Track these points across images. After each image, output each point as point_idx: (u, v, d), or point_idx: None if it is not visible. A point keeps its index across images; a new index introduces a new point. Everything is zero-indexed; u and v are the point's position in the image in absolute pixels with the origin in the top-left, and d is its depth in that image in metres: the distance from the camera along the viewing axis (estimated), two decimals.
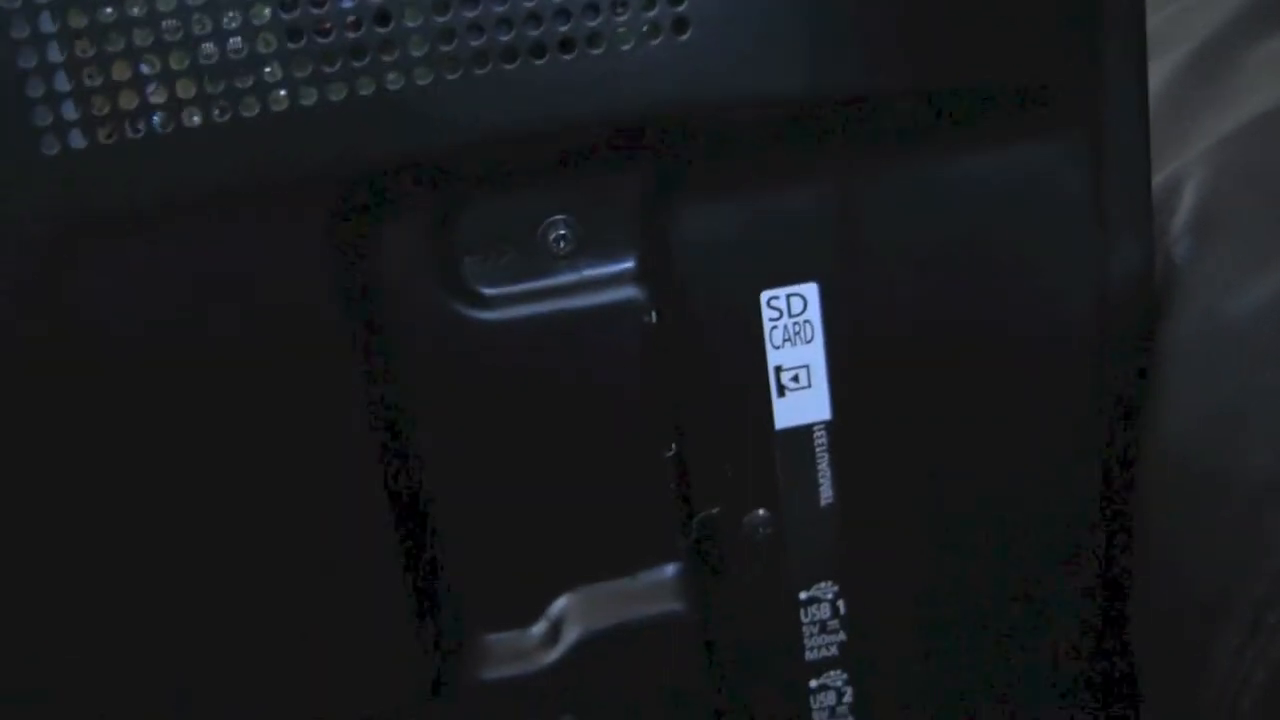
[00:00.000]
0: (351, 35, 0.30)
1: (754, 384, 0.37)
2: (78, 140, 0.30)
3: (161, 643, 0.35)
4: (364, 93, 0.31)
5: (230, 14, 0.30)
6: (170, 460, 0.34)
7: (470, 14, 0.31)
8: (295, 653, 0.36)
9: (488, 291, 0.35)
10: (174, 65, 0.30)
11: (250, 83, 0.30)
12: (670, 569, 0.37)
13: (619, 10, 0.31)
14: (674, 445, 0.36)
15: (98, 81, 0.30)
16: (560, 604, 0.37)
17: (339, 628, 0.35)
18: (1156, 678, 0.38)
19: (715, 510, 0.37)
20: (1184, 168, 0.41)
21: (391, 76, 0.31)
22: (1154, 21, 0.38)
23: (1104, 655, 0.40)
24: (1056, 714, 0.41)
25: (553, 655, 0.37)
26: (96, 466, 0.33)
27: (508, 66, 0.31)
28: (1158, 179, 0.40)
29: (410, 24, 0.30)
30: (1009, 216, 0.36)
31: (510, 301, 0.35)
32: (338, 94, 0.31)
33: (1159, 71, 0.45)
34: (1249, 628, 0.33)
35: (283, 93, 0.31)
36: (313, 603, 0.35)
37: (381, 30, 0.30)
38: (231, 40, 0.30)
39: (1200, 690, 0.34)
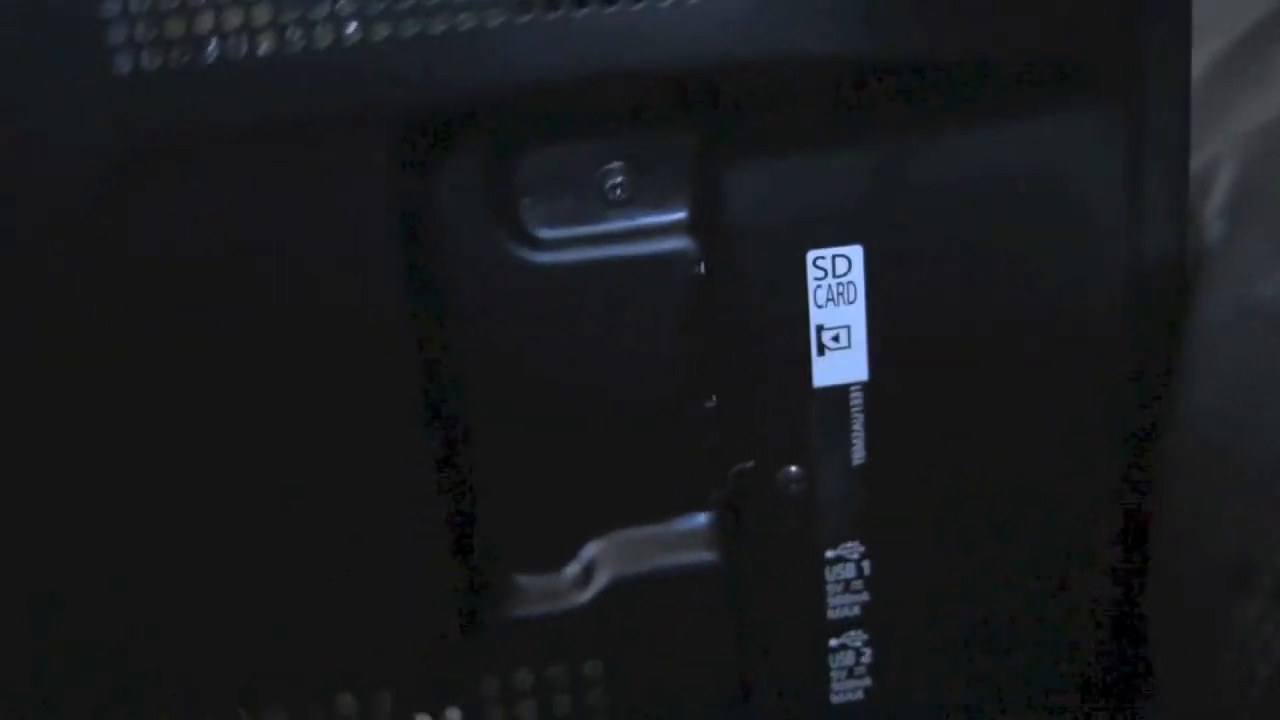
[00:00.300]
0: None
1: (795, 341, 0.37)
2: (150, 61, 0.31)
3: (199, 581, 0.36)
4: (435, 31, 0.31)
5: None
6: (215, 394, 0.34)
7: None
8: (331, 591, 0.36)
9: (543, 234, 0.35)
10: None
11: (325, 13, 0.31)
12: (703, 519, 0.38)
13: None
14: (714, 397, 0.37)
15: (174, 3, 0.30)
16: (592, 548, 0.38)
17: (374, 564, 0.36)
18: (1172, 649, 0.38)
19: (749, 465, 0.38)
20: (1219, 153, 0.42)
21: (463, 16, 0.31)
22: (1199, 10, 0.38)
23: (1121, 639, 0.41)
24: (1072, 697, 0.42)
25: (583, 598, 0.37)
26: (148, 392, 0.34)
27: (578, 13, 0.32)
28: (1194, 164, 0.40)
29: None
30: (1047, 191, 0.37)
31: (564, 245, 0.35)
32: (410, 30, 0.31)
33: (1200, 59, 0.46)
34: (1270, 595, 0.33)
35: (356, 25, 0.31)
36: (350, 540, 0.35)
37: None
38: None
39: (1218, 660, 0.35)
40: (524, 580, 0.38)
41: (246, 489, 0.35)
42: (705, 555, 0.38)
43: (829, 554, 0.39)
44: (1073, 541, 0.40)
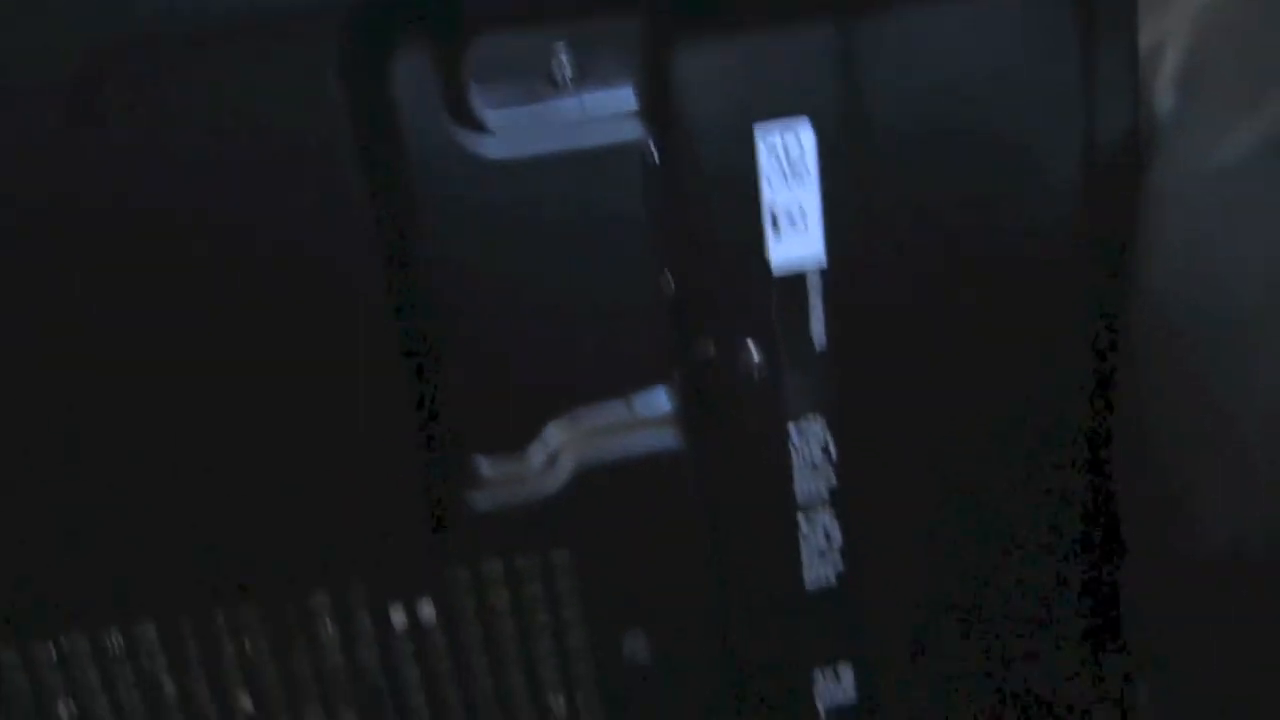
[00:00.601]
0: None
1: (749, 223, 0.37)
2: None
3: (166, 475, 0.36)
4: None
5: None
6: (181, 294, 0.34)
7: None
8: (299, 485, 0.36)
9: (494, 122, 0.36)
10: None
11: None
12: (665, 398, 0.38)
13: None
14: (669, 277, 0.37)
15: None
16: (557, 435, 0.38)
17: (341, 455, 0.36)
18: (1142, 522, 0.39)
19: (711, 348, 0.38)
20: (1167, 29, 0.42)
21: None
22: None
23: (1095, 515, 0.41)
24: (1048, 569, 0.42)
25: (549, 486, 0.38)
26: (112, 286, 0.34)
27: None
28: (1143, 41, 0.41)
29: None
30: (998, 69, 0.37)
31: (516, 137, 0.36)
32: None
33: None
34: (1236, 460, 0.34)
35: None
36: (316, 433, 0.36)
37: None
38: None
39: (1189, 507, 0.35)
40: (490, 468, 0.38)
41: (213, 388, 0.35)
42: (668, 438, 0.38)
43: (793, 434, 0.40)
44: (1042, 415, 0.40)
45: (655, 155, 0.36)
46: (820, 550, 0.41)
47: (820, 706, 0.43)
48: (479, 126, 0.36)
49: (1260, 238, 0.34)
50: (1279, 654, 0.34)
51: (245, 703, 0.40)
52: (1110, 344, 0.39)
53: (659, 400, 0.38)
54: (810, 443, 0.40)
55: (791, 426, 0.40)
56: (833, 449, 0.40)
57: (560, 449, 0.38)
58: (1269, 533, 0.33)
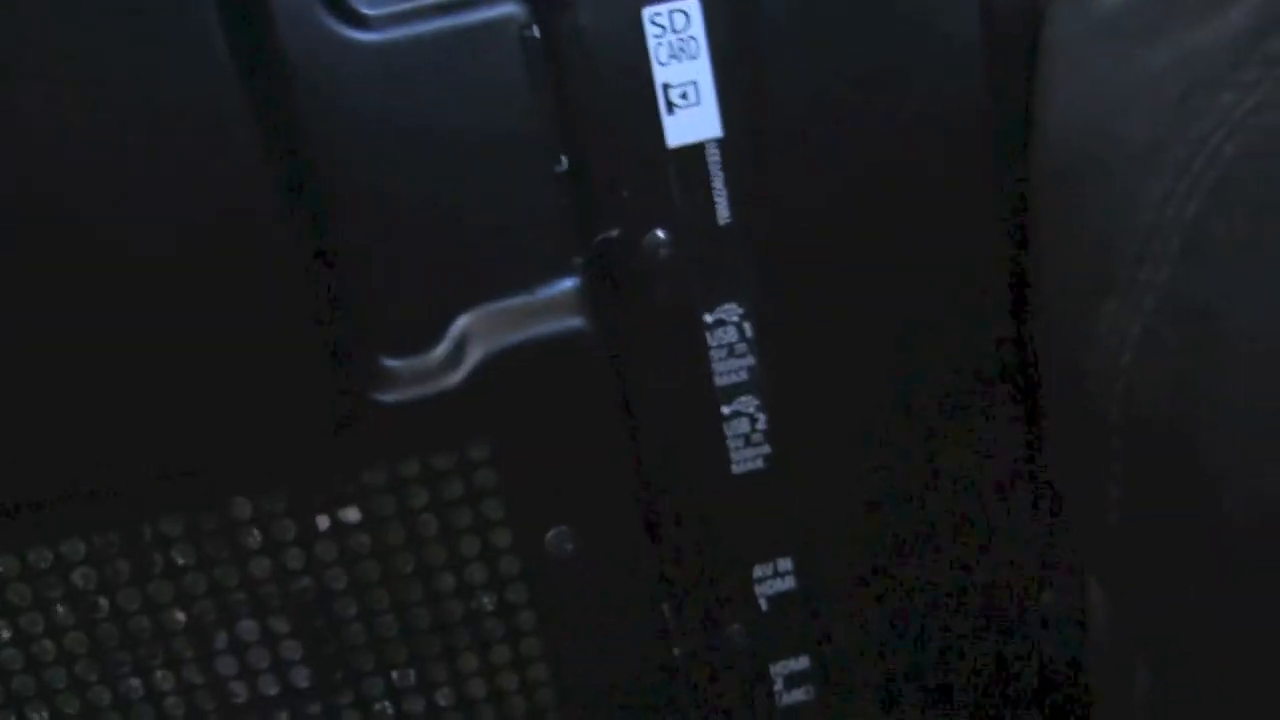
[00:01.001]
0: None
1: (642, 101, 0.37)
2: None
3: (78, 385, 0.36)
4: None
5: None
6: (76, 196, 0.35)
7: None
8: (204, 391, 0.36)
9: (369, 11, 0.35)
10: None
11: None
12: (569, 283, 0.38)
13: None
14: (564, 160, 0.37)
15: None
16: (461, 324, 0.38)
17: (243, 358, 0.36)
18: (1050, 360, 0.38)
19: (614, 232, 0.38)
20: None
21: None
22: None
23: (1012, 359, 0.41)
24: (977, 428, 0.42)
25: (457, 376, 0.37)
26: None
27: None
28: None
29: None
30: None
31: (392, 21, 0.35)
32: None
33: None
34: (1125, 285, 0.33)
35: None
36: (215, 334, 0.36)
37: None
38: None
39: (1086, 361, 0.35)
40: (395, 364, 0.38)
41: (110, 291, 0.35)
42: (575, 321, 0.38)
43: (708, 318, 0.39)
44: (955, 276, 0.40)
45: (535, 31, 0.36)
46: (745, 435, 0.41)
47: (761, 597, 0.43)
48: (357, 19, 0.35)
49: (1147, 72, 0.34)
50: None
51: (178, 617, 0.40)
52: (1018, 200, 0.38)
53: (564, 285, 0.38)
54: (726, 326, 0.39)
55: (705, 311, 0.39)
56: (750, 331, 0.40)
57: (465, 340, 0.37)
58: (1157, 383, 0.33)
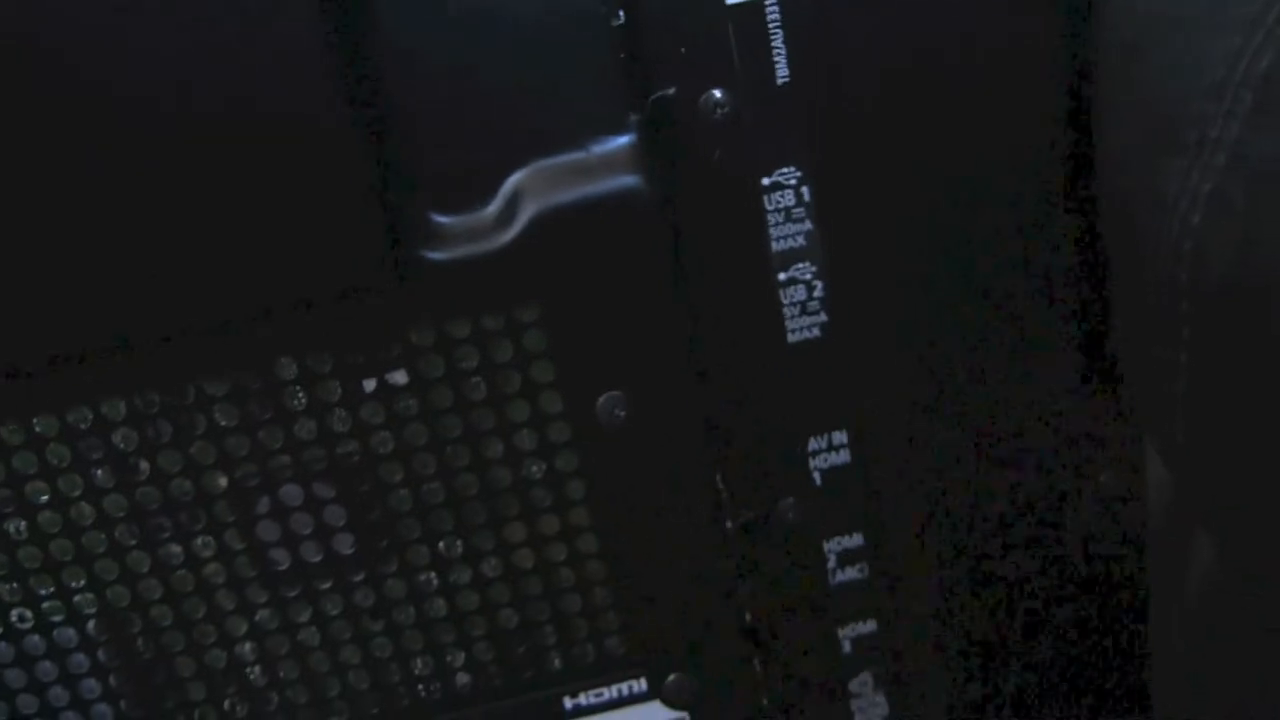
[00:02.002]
0: None
1: None
2: None
3: (124, 241, 0.35)
4: None
5: None
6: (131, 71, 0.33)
7: None
8: (253, 248, 0.35)
9: None
10: None
11: None
12: (625, 140, 0.37)
13: None
14: (621, 14, 0.36)
15: None
16: (514, 182, 0.37)
17: (286, 207, 0.35)
18: (1115, 236, 0.37)
19: (670, 90, 0.37)
20: None
21: None
22: None
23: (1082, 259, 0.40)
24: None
25: (509, 234, 0.36)
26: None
27: None
28: None
29: None
30: None
31: None
32: None
33: None
34: (1194, 145, 0.32)
35: None
36: (262, 188, 0.35)
37: None
38: None
39: (1154, 223, 0.33)
40: (446, 221, 0.37)
41: (158, 139, 0.34)
42: (630, 179, 0.36)
43: (765, 180, 0.38)
44: (1021, 152, 0.39)
45: None
46: (801, 303, 0.39)
47: (815, 471, 0.42)
48: None
49: None
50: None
51: (220, 481, 0.39)
52: (1084, 73, 0.37)
53: (619, 143, 0.37)
54: (783, 190, 0.38)
55: (763, 175, 0.38)
56: (808, 196, 0.38)
57: (518, 197, 0.36)
58: (1227, 244, 0.32)
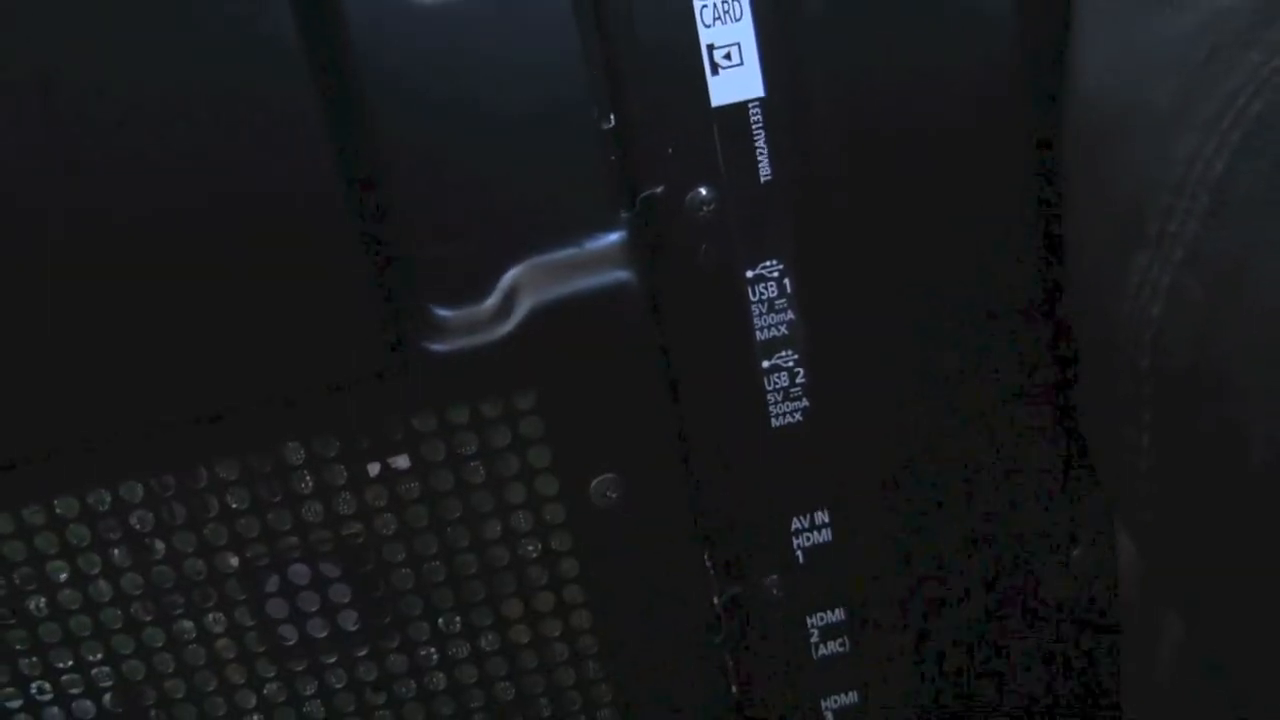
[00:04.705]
0: None
1: (687, 62, 0.38)
2: None
3: (136, 331, 0.37)
4: None
5: None
6: (121, 154, 0.36)
7: None
8: (262, 325, 0.37)
9: None
10: None
11: None
12: (616, 237, 0.39)
13: None
14: (612, 118, 0.38)
15: None
16: (511, 276, 0.39)
17: (294, 302, 0.37)
18: (1082, 323, 0.39)
19: (658, 189, 0.39)
20: None
21: None
22: None
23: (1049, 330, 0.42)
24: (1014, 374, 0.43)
25: (507, 327, 0.39)
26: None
27: None
28: None
29: None
30: None
31: None
32: None
33: None
34: (1155, 238, 0.34)
35: None
36: (271, 282, 0.37)
37: None
38: None
39: (1118, 311, 0.36)
40: (447, 314, 0.39)
41: (166, 231, 0.37)
42: (621, 274, 0.39)
43: (749, 273, 0.40)
44: (994, 232, 0.41)
45: None
46: (784, 389, 0.42)
47: (798, 549, 0.44)
48: None
49: (1175, 34, 0.35)
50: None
51: (231, 560, 0.41)
52: (1048, 164, 0.39)
53: (610, 239, 0.39)
54: (767, 282, 0.40)
55: (747, 268, 0.40)
56: (790, 287, 0.41)
57: (515, 291, 0.39)
58: (1185, 333, 0.34)
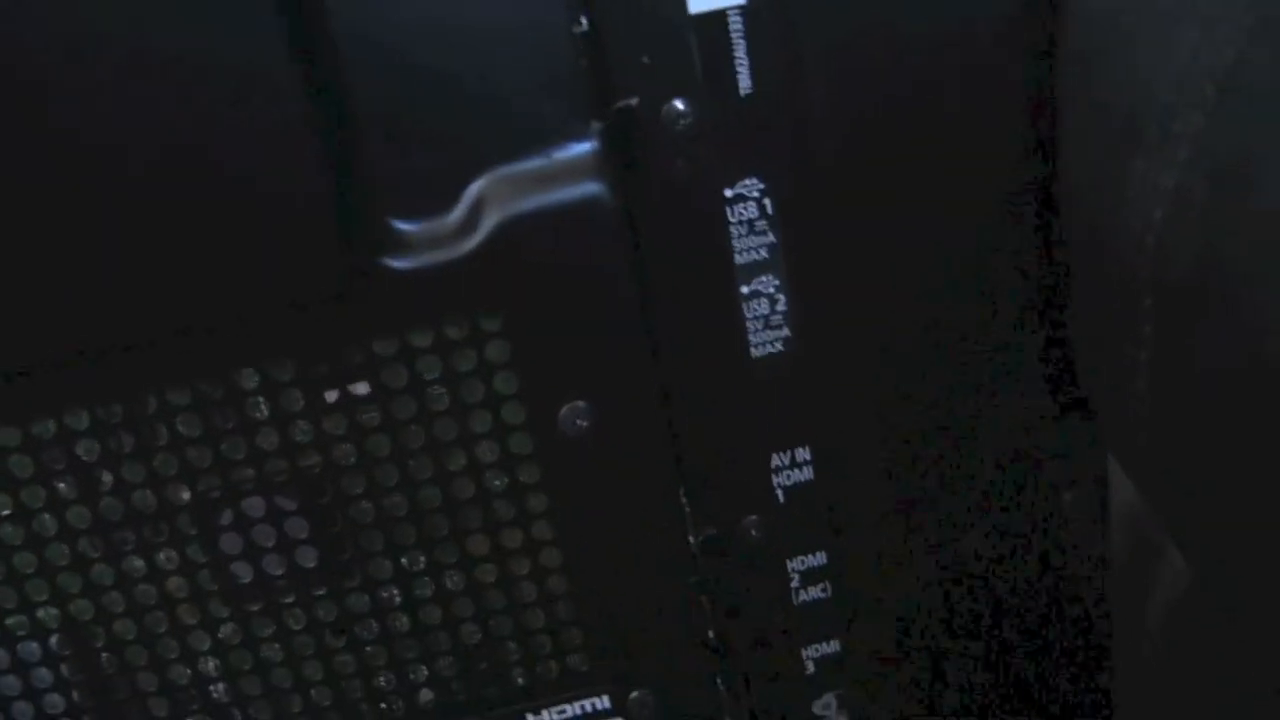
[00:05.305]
0: None
1: None
2: None
3: (75, 236, 0.35)
4: None
5: None
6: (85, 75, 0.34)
7: None
8: (208, 252, 0.35)
9: None
10: None
11: None
12: (587, 148, 0.37)
13: None
14: (584, 20, 0.36)
15: None
16: (477, 188, 0.37)
17: (246, 217, 0.35)
18: (1079, 238, 0.37)
19: (632, 100, 0.37)
20: None
21: None
22: None
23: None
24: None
25: (472, 242, 0.37)
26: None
27: None
28: None
29: None
30: None
31: None
32: None
33: None
34: (1156, 140, 0.32)
35: None
36: (223, 195, 0.35)
37: None
38: None
39: (1117, 219, 0.34)
40: (408, 228, 0.37)
41: (116, 145, 0.35)
42: (592, 186, 0.37)
43: (727, 192, 0.38)
44: (978, 149, 0.39)
45: None
46: (764, 316, 0.40)
47: (778, 488, 0.42)
48: None
49: None
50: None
51: (182, 493, 0.39)
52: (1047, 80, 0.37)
53: (581, 149, 0.37)
54: (746, 202, 0.39)
55: (726, 187, 0.38)
56: (771, 208, 0.39)
57: (480, 204, 0.37)
58: (1189, 238, 0.32)
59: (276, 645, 0.41)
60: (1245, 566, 0.33)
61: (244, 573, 0.40)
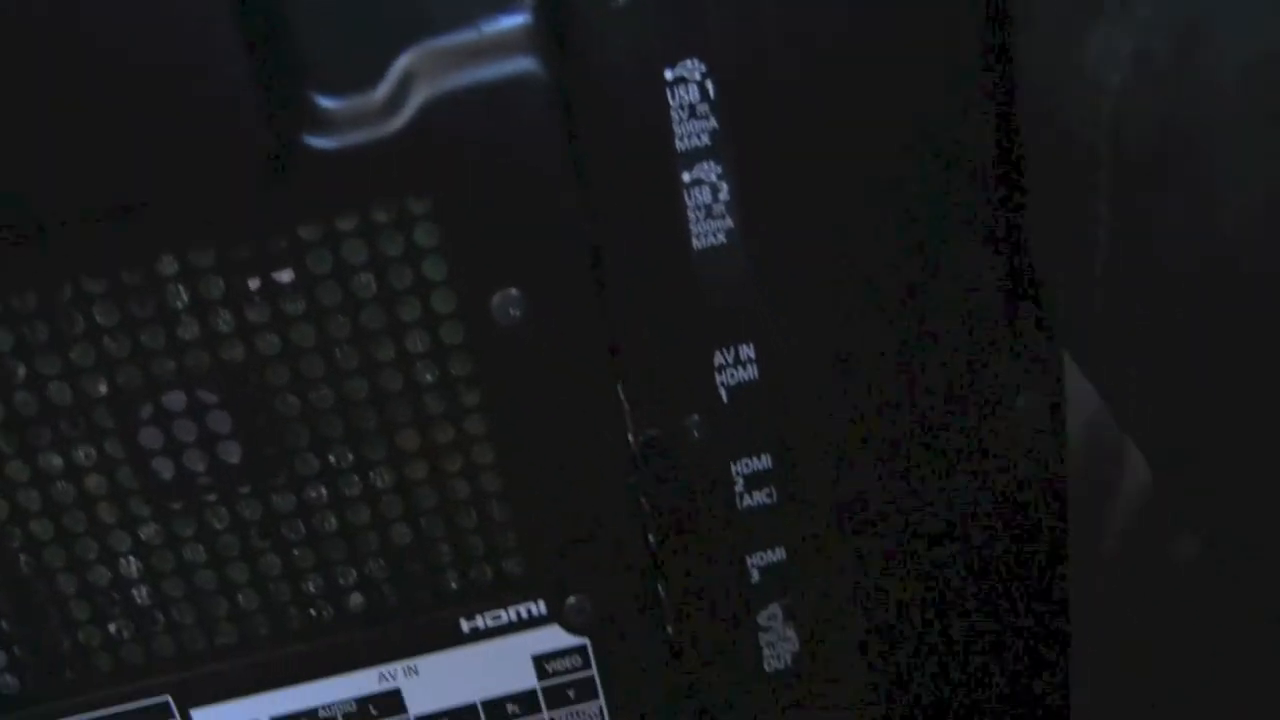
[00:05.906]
0: None
1: None
2: None
3: None
4: None
5: None
6: None
7: None
8: (120, 130, 0.34)
9: None
10: None
11: None
12: (519, 20, 0.35)
13: None
14: None
15: None
16: (404, 63, 0.35)
17: (157, 92, 0.33)
18: (1031, 118, 0.36)
19: None
20: None
21: None
22: None
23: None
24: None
25: (399, 120, 0.35)
26: None
27: None
28: None
29: None
30: None
31: None
32: None
33: None
34: (1117, 5, 0.31)
35: None
36: (134, 67, 0.33)
37: None
38: None
39: (1071, 92, 0.32)
40: (332, 105, 0.35)
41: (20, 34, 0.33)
42: (524, 61, 0.35)
43: (667, 74, 0.37)
44: (933, 45, 0.37)
45: None
46: (706, 206, 0.38)
47: (721, 387, 0.40)
48: None
49: None
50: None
51: (100, 385, 0.37)
52: None
53: (513, 21, 0.35)
54: (688, 85, 0.37)
55: (666, 68, 0.37)
56: (713, 91, 0.37)
57: (408, 80, 0.35)
58: (1148, 105, 0.30)
59: (200, 546, 0.39)
60: (1206, 463, 0.32)
61: (165, 469, 0.38)
